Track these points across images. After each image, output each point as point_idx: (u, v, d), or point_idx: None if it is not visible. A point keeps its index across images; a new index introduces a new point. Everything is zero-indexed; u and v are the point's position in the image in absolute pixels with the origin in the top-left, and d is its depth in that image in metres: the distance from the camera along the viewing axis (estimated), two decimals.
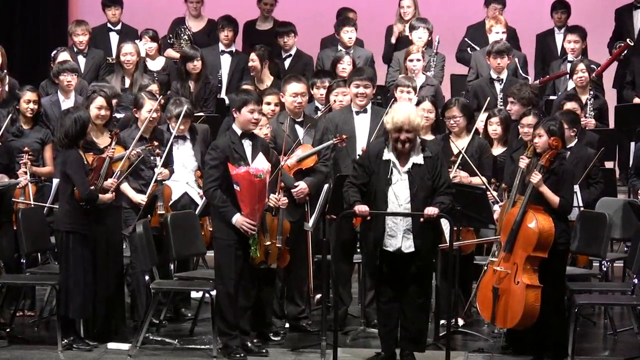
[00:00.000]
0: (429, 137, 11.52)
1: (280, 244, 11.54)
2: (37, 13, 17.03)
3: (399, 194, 10.66)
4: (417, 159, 10.67)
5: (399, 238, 10.57)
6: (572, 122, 12.37)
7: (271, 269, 11.63)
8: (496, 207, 11.69)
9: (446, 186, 10.81)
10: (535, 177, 10.84)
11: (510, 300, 10.95)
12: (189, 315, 12.57)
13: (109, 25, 15.59)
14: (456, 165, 11.84)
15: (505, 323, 11.16)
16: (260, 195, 11.06)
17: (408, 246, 10.57)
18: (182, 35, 15.27)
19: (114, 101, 12.62)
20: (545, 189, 10.86)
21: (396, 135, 10.60)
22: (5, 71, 13.88)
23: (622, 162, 13.83)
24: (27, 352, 11.56)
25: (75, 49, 14.98)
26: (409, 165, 10.66)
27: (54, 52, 14.63)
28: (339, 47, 15.00)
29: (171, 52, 15.01)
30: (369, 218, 10.66)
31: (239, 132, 11.30)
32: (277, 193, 11.47)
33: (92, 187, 11.36)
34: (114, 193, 11.55)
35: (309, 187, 11.85)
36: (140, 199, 12.01)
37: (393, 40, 15.51)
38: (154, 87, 13.23)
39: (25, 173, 12.36)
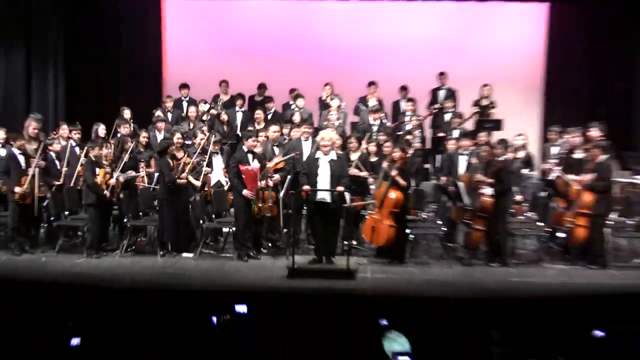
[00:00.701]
0: (340, 152, 11.57)
1: (270, 204, 11.80)
2: (141, 88, 16.54)
3: (323, 174, 11.08)
4: (333, 157, 11.10)
5: (322, 196, 11.03)
6: (409, 145, 12.75)
7: (263, 216, 11.89)
8: (373, 186, 11.79)
9: (346, 174, 11.29)
10: (394, 172, 11.21)
11: (380, 232, 11.31)
12: (222, 239, 12.55)
13: (182, 97, 15.33)
14: (353, 166, 11.91)
15: (377, 243, 11.51)
16: (253, 181, 11.47)
17: (328, 200, 11.02)
18: (218, 102, 14.99)
19: (184, 135, 12.66)
20: (399, 178, 11.23)
21: (322, 143, 11.16)
22: (132, 120, 13.94)
23: (434, 165, 13.97)
24: (143, 258, 11.79)
25: (166, 109, 14.85)
26: (328, 159, 11.08)
27: (154, 110, 14.56)
28: (294, 107, 14.74)
29: (212, 111, 14.66)
30: (310, 193, 11.08)
31: (246, 150, 11.58)
32: (265, 180, 11.74)
33: (175, 177, 11.68)
34: (185, 180, 11.80)
35: (280, 177, 11.98)
36: (197, 183, 12.08)
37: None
38: (205, 128, 13.20)
39: (141, 171, 12.45)
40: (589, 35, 16.29)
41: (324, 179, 11.18)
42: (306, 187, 11.22)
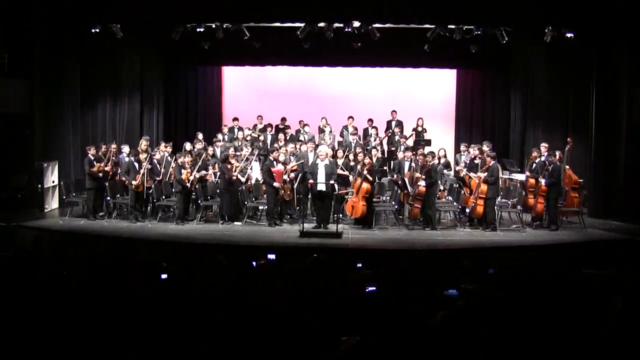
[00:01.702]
0: (331, 159, 11.43)
1: (288, 192, 11.58)
2: (209, 120, 16.25)
3: (321, 173, 10.90)
4: (327, 162, 10.92)
5: (320, 187, 10.84)
6: (372, 155, 12.54)
7: (285, 200, 11.70)
8: (351, 179, 11.55)
9: (335, 173, 11.07)
10: (365, 172, 11.03)
11: (356, 209, 11.13)
12: (259, 214, 12.18)
13: (234, 125, 14.72)
14: (339, 168, 11.57)
15: (354, 216, 11.32)
16: (279, 176, 11.29)
17: (324, 189, 10.84)
18: (256, 129, 14.69)
19: (236, 149, 12.46)
20: (368, 176, 10.99)
21: (320, 154, 11.03)
22: (203, 140, 13.54)
23: (389, 167, 13.71)
24: (210, 225, 11.63)
25: (223, 133, 14.42)
26: (324, 164, 10.92)
27: (217, 134, 14.24)
28: (303, 132, 14.45)
29: (252, 134, 14.29)
30: (313, 185, 10.91)
31: (272, 158, 11.44)
32: (287, 176, 11.56)
33: (230, 175, 11.49)
34: (236, 177, 11.57)
35: (295, 175, 11.67)
36: (243, 179, 11.84)
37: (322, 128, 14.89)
38: (248, 145, 13.07)
39: (209, 171, 12.26)
40: (482, 86, 16.13)
41: (321, 176, 11.02)
42: (311, 182, 11.07)
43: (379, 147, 13.78)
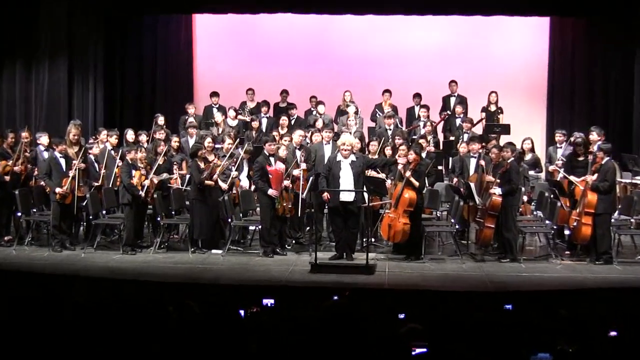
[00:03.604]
0: (359, 154, 11.48)
1: (290, 205, 11.65)
2: (174, 97, 16.41)
3: (346, 175, 10.99)
4: (353, 158, 11.01)
5: (345, 197, 10.95)
6: (421, 148, 12.54)
7: (286, 216, 11.76)
8: (388, 184, 11.62)
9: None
10: (408, 173, 11.07)
11: (396, 229, 11.13)
12: (249, 237, 12.40)
13: (212, 105, 15.07)
14: (370, 167, 11.57)
15: (394, 240, 11.38)
16: (279, 180, 11.45)
17: (350, 198, 10.94)
18: (245, 109, 14.94)
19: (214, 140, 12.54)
20: (412, 179, 11.04)
21: (342, 147, 11.06)
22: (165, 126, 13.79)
23: (446, 166, 13.78)
24: (175, 254, 11.73)
25: (193, 115, 14.68)
26: (349, 161, 11.00)
27: (185, 117, 14.51)
28: (315, 114, 14.71)
29: (240, 117, 14.63)
30: (330, 197, 11.06)
31: (267, 154, 11.58)
32: (289, 180, 11.63)
33: (203, 178, 11.53)
34: (213, 183, 11.64)
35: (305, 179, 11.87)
36: (225, 186, 11.84)
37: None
38: (232, 134, 13.01)
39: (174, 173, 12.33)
40: (589, 44, 16.16)
41: (346, 180, 11.07)
42: (325, 196, 11.18)
43: (430, 137, 13.83)
